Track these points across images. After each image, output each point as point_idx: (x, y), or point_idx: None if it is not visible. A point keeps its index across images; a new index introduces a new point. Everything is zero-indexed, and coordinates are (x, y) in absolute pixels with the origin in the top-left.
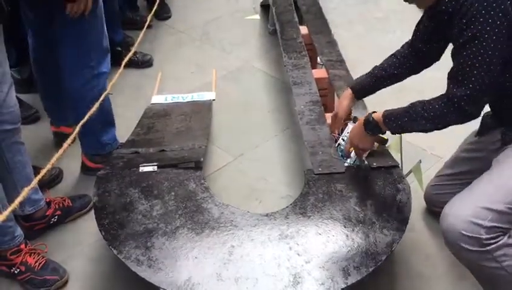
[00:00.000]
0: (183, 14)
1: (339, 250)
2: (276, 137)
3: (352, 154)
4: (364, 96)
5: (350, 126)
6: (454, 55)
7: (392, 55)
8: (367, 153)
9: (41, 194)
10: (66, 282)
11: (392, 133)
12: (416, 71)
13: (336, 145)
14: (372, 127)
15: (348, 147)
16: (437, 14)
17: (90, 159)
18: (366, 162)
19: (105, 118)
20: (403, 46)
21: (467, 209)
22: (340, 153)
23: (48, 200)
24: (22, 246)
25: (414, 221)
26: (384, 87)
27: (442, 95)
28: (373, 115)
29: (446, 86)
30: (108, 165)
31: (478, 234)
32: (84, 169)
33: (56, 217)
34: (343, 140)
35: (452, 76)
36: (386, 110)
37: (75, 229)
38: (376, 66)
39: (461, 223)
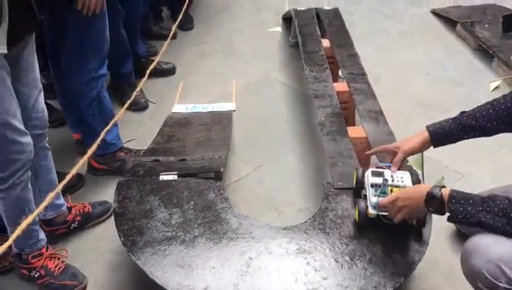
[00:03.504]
0: (207, 25)
1: (357, 269)
2: (295, 149)
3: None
4: (442, 144)
5: (403, 176)
6: None
7: (488, 103)
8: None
9: (63, 200)
10: (85, 288)
11: (451, 220)
12: None
13: (364, 191)
14: (435, 204)
15: (388, 204)
16: None
17: (96, 160)
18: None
19: (107, 118)
20: (504, 97)
21: (497, 251)
22: (372, 204)
23: (69, 205)
24: (44, 250)
25: (435, 239)
26: (469, 138)
27: None
28: (442, 190)
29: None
30: (129, 173)
31: (497, 281)
32: (90, 169)
33: (76, 222)
34: (380, 190)
35: None
36: (453, 190)
37: (95, 235)
38: (464, 113)
39: (485, 264)
